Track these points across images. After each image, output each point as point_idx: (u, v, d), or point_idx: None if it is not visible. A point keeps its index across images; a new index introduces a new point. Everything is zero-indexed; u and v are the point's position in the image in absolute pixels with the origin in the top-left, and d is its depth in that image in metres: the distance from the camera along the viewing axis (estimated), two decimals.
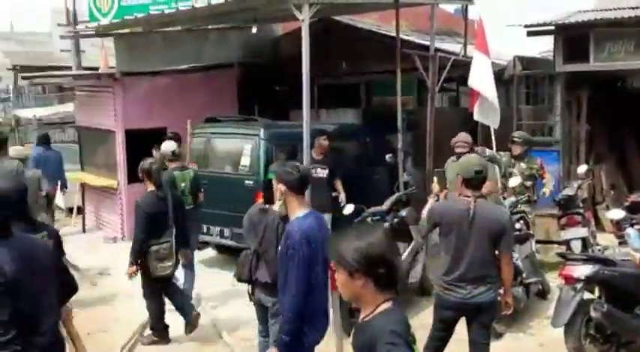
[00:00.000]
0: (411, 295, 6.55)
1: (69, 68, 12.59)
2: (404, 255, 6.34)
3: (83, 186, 10.63)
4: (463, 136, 6.82)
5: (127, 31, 10.72)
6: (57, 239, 3.69)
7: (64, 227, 10.74)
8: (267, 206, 4.05)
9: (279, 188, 3.60)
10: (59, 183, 10.04)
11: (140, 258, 5.57)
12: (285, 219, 3.70)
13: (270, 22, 11.19)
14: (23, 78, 14.49)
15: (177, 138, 8.89)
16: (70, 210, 11.22)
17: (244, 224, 4.44)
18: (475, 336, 4.18)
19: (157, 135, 8.77)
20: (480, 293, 4.07)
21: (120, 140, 9.48)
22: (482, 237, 4.06)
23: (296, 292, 3.42)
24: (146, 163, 5.75)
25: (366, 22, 11.18)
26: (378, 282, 2.18)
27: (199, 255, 8.56)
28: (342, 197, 7.47)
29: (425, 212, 5.55)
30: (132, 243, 5.69)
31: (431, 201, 5.61)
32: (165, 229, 5.63)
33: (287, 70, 10.26)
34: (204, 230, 7.92)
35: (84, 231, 10.34)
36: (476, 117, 7.99)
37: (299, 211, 3.55)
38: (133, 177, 8.13)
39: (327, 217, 7.15)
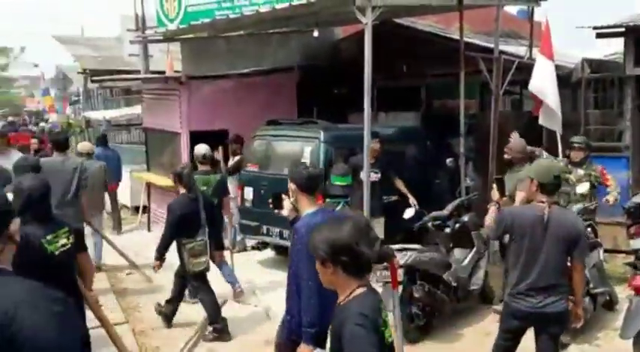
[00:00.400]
0: (474, 302, 6.45)
1: (137, 72, 12.97)
2: (465, 261, 6.26)
3: (149, 186, 10.96)
4: (511, 143, 6.58)
5: (191, 35, 11.01)
6: (77, 235, 3.90)
7: (130, 225, 11.17)
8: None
9: (290, 187, 3.79)
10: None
11: (165, 253, 5.95)
12: (295, 220, 3.83)
13: (332, 26, 11.25)
14: (93, 81, 15.05)
15: (238, 140, 9.15)
16: (136, 209, 11.61)
17: None
18: (543, 347, 4.05)
19: (220, 137, 9.00)
20: (551, 302, 3.95)
21: (185, 141, 9.73)
22: (556, 243, 3.93)
23: (309, 284, 3.44)
24: (178, 168, 6.17)
25: (425, 24, 11.07)
26: (347, 269, 2.36)
27: (258, 256, 8.75)
28: (412, 200, 7.36)
29: (487, 220, 5.46)
30: (160, 240, 6.02)
31: (492, 208, 5.51)
32: (198, 228, 5.98)
33: (346, 73, 10.31)
34: (264, 231, 8.04)
35: (149, 229, 10.66)
36: (541, 121, 7.80)
37: (308, 209, 3.72)
38: None
39: (379, 221, 7.11)
